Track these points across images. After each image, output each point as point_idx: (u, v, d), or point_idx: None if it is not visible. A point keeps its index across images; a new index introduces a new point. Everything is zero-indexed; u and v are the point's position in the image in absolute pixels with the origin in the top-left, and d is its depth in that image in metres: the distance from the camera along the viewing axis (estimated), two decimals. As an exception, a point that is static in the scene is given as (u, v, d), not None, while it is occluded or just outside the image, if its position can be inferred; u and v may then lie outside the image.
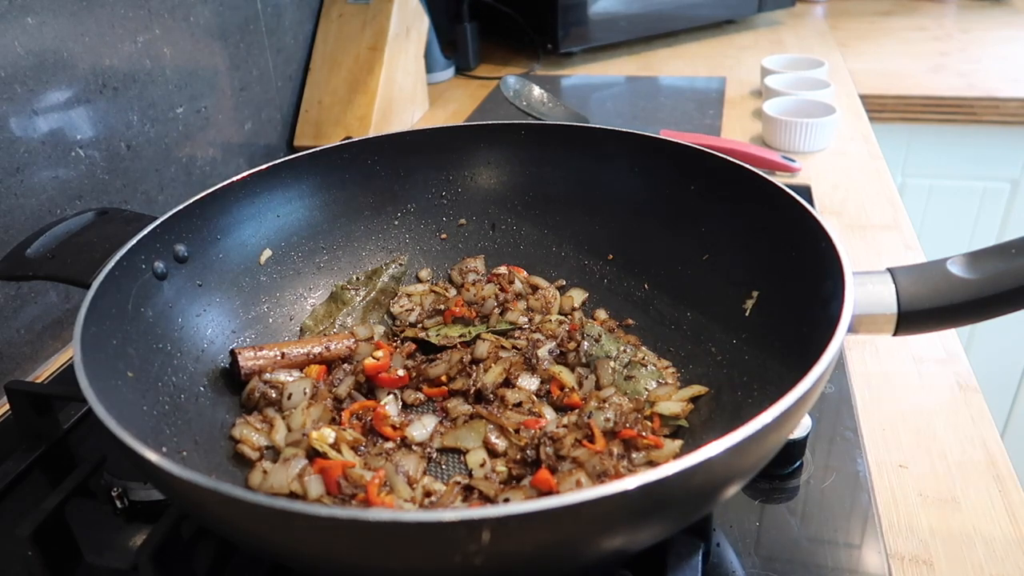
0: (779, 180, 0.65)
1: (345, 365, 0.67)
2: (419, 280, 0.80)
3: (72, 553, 0.55)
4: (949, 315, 0.51)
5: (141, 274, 0.59)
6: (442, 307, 0.74)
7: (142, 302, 0.58)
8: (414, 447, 0.60)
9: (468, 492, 0.56)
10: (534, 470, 0.56)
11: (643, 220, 0.74)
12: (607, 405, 0.60)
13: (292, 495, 0.54)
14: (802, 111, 1.26)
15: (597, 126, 0.76)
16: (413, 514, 0.34)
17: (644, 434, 0.58)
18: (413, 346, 0.70)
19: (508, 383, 0.65)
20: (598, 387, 0.64)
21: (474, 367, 0.66)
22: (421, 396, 0.66)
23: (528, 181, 0.80)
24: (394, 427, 0.62)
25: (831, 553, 0.54)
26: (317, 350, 0.67)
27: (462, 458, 0.60)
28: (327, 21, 1.36)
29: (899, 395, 0.71)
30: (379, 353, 0.68)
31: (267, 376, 0.64)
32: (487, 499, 0.55)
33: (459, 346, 0.69)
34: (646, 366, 0.67)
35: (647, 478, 0.35)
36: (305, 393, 0.64)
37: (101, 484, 0.61)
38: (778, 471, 0.61)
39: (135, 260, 0.58)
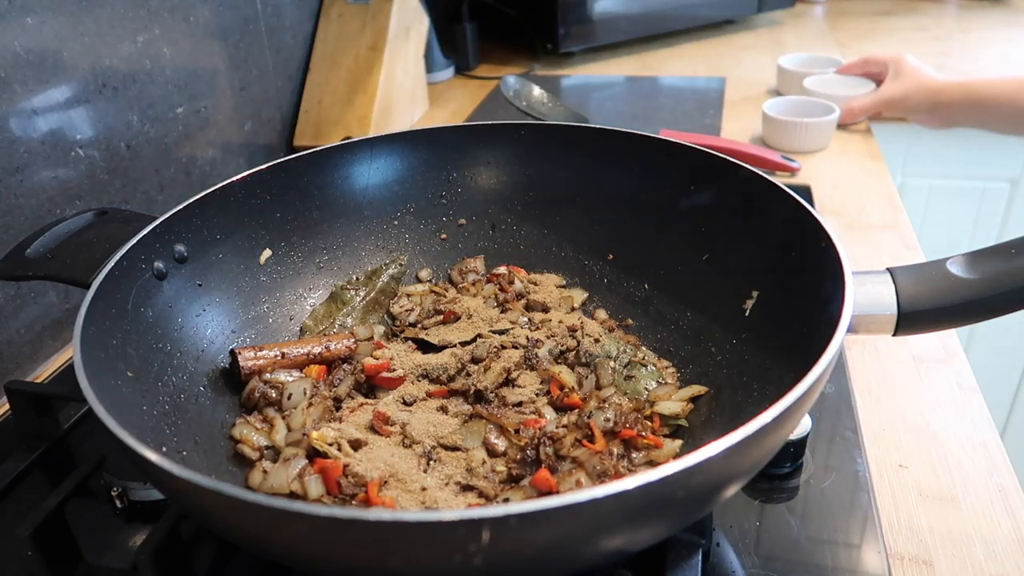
0: (779, 180, 0.65)
1: (345, 365, 0.67)
2: (419, 280, 0.80)
3: (72, 553, 0.55)
4: (949, 315, 0.51)
5: (141, 274, 0.59)
6: (442, 307, 0.74)
7: (142, 302, 0.58)
8: (414, 446, 0.60)
9: (468, 492, 0.56)
10: (534, 470, 0.56)
11: (643, 220, 0.74)
12: (607, 405, 0.60)
13: (292, 495, 0.54)
14: (802, 111, 1.26)
15: (597, 126, 0.76)
16: (413, 514, 0.34)
17: (644, 434, 0.58)
18: (413, 346, 0.70)
19: (508, 383, 0.65)
20: (598, 387, 0.64)
21: (474, 367, 0.66)
22: (421, 396, 0.66)
23: (528, 181, 0.80)
24: (393, 426, 0.62)
25: (831, 553, 0.54)
26: (317, 350, 0.67)
27: (462, 458, 0.60)
28: (327, 21, 1.36)
29: (899, 395, 0.71)
30: (379, 353, 0.68)
31: (267, 376, 0.64)
32: (487, 499, 0.55)
33: (459, 346, 0.69)
34: (646, 366, 0.67)
35: (647, 478, 0.35)
36: (305, 393, 0.64)
37: (101, 484, 0.61)
38: (778, 471, 0.61)
39: (135, 260, 0.58)
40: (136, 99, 0.94)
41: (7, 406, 0.68)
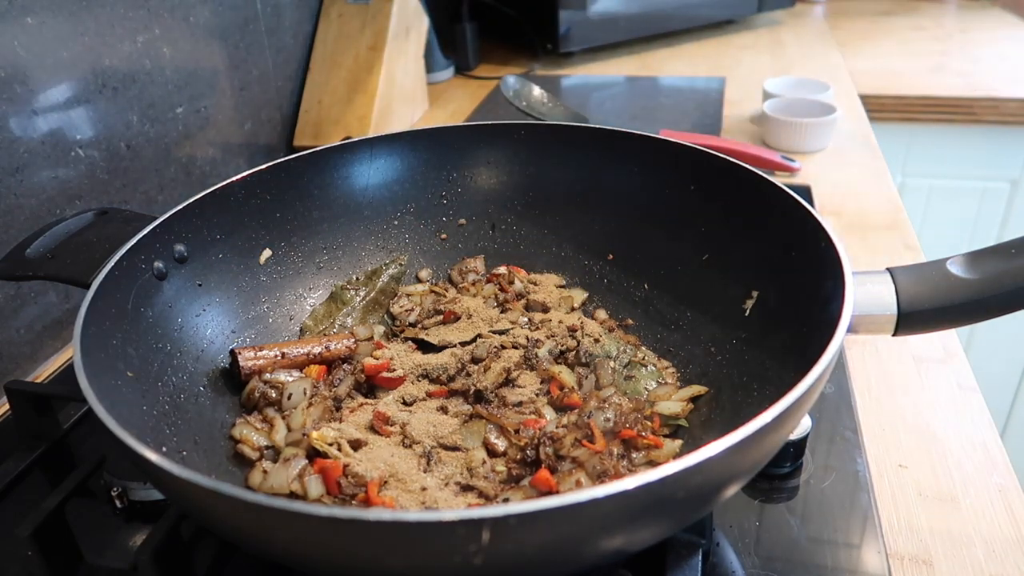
0: (779, 180, 0.65)
1: (345, 365, 0.67)
2: (419, 280, 0.80)
3: (72, 553, 0.55)
4: (949, 315, 0.51)
5: (141, 274, 0.59)
6: (442, 307, 0.74)
7: (142, 302, 0.58)
8: (414, 446, 0.60)
9: (468, 492, 0.56)
10: (534, 470, 0.56)
11: (643, 220, 0.74)
12: (607, 405, 0.60)
13: (292, 495, 0.54)
14: (802, 111, 1.26)
15: (597, 126, 0.76)
16: (413, 514, 0.34)
17: (644, 434, 0.58)
18: (413, 346, 0.70)
19: (508, 383, 0.65)
20: (598, 387, 0.64)
21: (474, 367, 0.66)
22: (421, 396, 0.66)
23: (528, 181, 0.80)
24: (393, 426, 0.62)
25: (831, 553, 0.54)
26: (317, 350, 0.67)
27: (462, 458, 0.60)
28: (327, 21, 1.36)
29: (899, 395, 0.71)
30: (379, 353, 0.68)
31: (267, 376, 0.64)
32: (487, 499, 0.55)
33: (459, 346, 0.69)
34: (646, 366, 0.67)
35: (647, 478, 0.35)
36: (305, 393, 0.64)
37: (101, 484, 0.61)
38: (778, 471, 0.61)
39: (135, 260, 0.58)
40: (136, 99, 0.94)
41: (7, 406, 0.68)
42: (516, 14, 1.73)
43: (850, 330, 0.47)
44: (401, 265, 0.79)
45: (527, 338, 0.69)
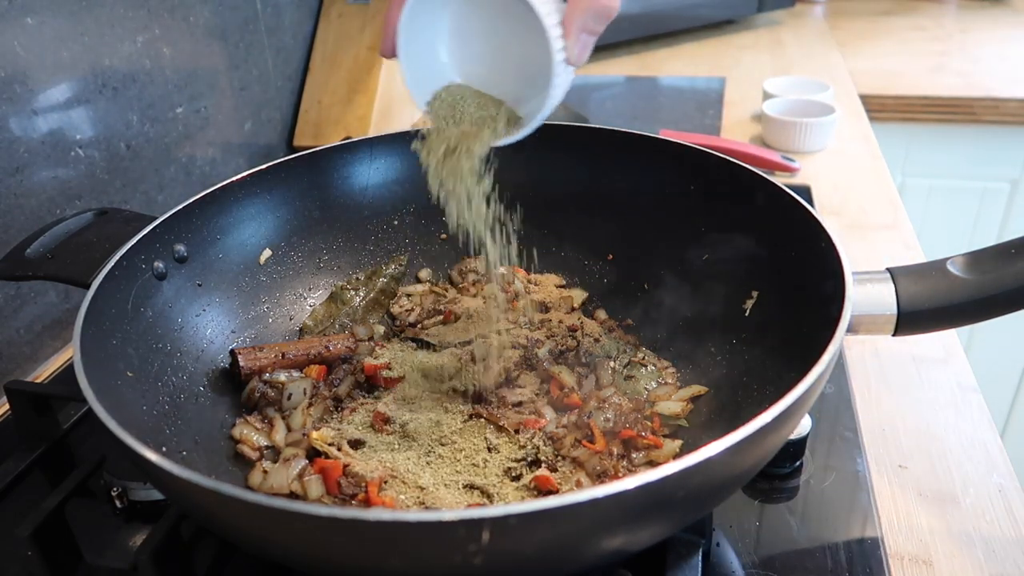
0: (779, 180, 0.65)
1: (345, 365, 0.67)
2: (419, 280, 0.80)
3: (72, 553, 0.55)
4: (949, 315, 0.51)
5: (141, 274, 0.59)
6: (442, 307, 0.74)
7: (142, 302, 0.58)
8: (414, 446, 0.60)
9: (468, 492, 0.56)
10: (534, 470, 0.56)
11: (643, 220, 0.74)
12: (607, 405, 0.60)
13: (292, 495, 0.54)
14: (802, 111, 1.26)
15: (597, 126, 0.76)
16: (413, 514, 0.34)
17: (644, 434, 0.58)
18: (413, 346, 0.70)
19: (508, 383, 0.65)
20: (598, 387, 0.64)
21: (474, 367, 0.66)
22: (421, 396, 0.66)
23: (528, 181, 0.79)
24: (393, 426, 0.62)
25: (831, 553, 0.54)
26: (317, 350, 0.67)
27: (462, 458, 0.60)
28: (327, 21, 1.36)
29: (899, 395, 0.71)
30: (379, 353, 0.68)
31: (267, 376, 0.64)
32: (487, 499, 0.55)
33: (459, 346, 0.69)
34: (646, 366, 0.67)
35: (647, 478, 0.35)
36: (305, 393, 0.64)
37: (101, 484, 0.61)
38: (778, 471, 0.61)
39: (135, 260, 0.58)
40: (136, 99, 0.94)
41: (7, 406, 0.68)
42: (516, 14, 1.73)
43: (850, 330, 0.47)
44: (401, 265, 0.79)
45: (527, 338, 0.69)
